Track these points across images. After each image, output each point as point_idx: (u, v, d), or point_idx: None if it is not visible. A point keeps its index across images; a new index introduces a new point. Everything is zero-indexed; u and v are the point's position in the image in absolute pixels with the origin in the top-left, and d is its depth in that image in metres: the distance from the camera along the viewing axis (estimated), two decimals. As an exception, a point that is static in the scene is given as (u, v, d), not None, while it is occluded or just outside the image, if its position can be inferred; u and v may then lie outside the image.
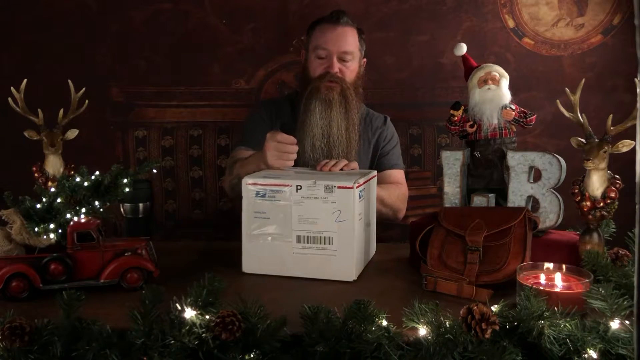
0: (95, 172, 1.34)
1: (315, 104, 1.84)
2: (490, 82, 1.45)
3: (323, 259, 1.31)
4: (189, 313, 0.98)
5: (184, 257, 1.51)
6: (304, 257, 1.32)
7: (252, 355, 0.96)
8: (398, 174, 1.99)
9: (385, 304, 1.03)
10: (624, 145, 1.22)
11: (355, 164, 1.59)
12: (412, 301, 1.01)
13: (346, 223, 1.30)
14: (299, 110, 1.89)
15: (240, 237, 1.36)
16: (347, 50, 1.86)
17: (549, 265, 1.17)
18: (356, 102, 1.88)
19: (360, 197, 1.33)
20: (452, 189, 1.45)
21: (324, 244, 1.31)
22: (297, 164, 1.65)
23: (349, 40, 1.87)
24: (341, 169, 1.54)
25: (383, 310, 1.00)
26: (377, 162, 1.97)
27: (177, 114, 2.37)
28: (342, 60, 1.86)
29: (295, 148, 1.59)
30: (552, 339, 0.95)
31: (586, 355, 0.94)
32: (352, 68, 1.89)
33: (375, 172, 1.51)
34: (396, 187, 1.93)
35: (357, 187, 1.30)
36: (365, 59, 1.98)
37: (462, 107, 1.46)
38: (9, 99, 1.46)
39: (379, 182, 1.62)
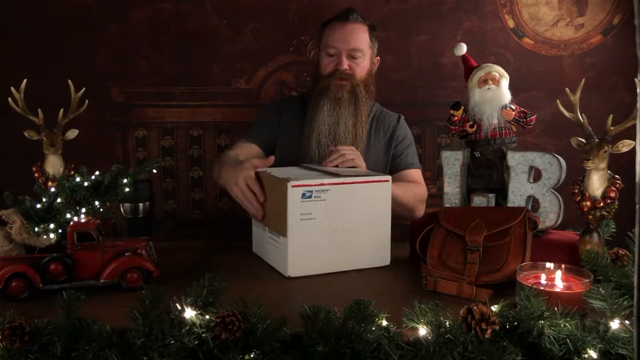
0: (95, 172, 1.34)
1: (324, 101, 1.84)
2: (490, 82, 1.45)
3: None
4: (189, 313, 0.98)
5: (184, 257, 1.51)
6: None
7: (252, 355, 0.96)
8: (415, 173, 1.96)
9: (385, 304, 1.03)
10: (624, 145, 1.22)
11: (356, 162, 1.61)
12: (412, 301, 1.01)
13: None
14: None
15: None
16: (355, 47, 1.85)
17: (549, 265, 1.17)
18: (366, 100, 1.88)
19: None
20: (452, 189, 1.45)
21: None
22: (302, 160, 1.63)
23: (357, 37, 1.86)
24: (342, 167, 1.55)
25: (383, 310, 1.00)
26: (391, 163, 1.96)
27: (177, 114, 2.38)
28: (352, 57, 1.86)
29: (256, 199, 1.45)
30: (552, 339, 0.94)
31: (586, 355, 0.94)
32: (362, 65, 1.88)
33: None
34: (413, 186, 1.90)
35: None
36: (378, 57, 1.98)
37: (462, 107, 1.46)
38: (9, 99, 1.46)
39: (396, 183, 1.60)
